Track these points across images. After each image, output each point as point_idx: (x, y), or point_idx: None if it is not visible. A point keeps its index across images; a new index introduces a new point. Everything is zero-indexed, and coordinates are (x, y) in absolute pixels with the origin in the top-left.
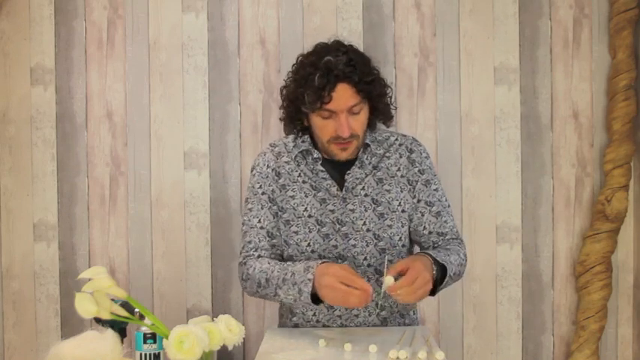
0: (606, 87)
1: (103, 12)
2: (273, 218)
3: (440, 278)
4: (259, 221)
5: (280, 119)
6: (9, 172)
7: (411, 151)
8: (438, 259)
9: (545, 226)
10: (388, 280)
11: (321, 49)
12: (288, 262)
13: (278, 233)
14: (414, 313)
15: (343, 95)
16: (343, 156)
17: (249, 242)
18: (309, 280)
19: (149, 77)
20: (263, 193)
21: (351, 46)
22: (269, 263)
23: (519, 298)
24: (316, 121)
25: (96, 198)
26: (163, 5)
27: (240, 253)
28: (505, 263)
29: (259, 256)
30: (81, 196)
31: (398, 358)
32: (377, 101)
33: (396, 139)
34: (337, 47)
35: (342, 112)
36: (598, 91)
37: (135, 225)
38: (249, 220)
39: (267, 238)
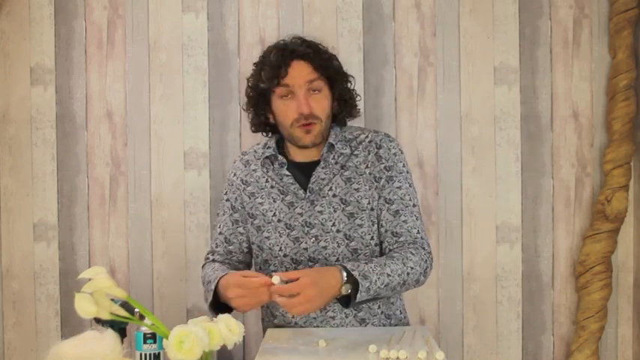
0: (606, 87)
1: (103, 12)
2: (232, 225)
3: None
4: (220, 227)
5: (247, 115)
6: (9, 172)
7: (379, 147)
8: (354, 273)
9: (545, 226)
10: (275, 279)
11: (280, 40)
12: (219, 271)
13: (236, 240)
14: (400, 313)
15: (300, 71)
16: (308, 139)
17: (211, 246)
18: (211, 290)
19: (149, 77)
20: (227, 200)
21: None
22: (212, 269)
23: (519, 298)
24: (278, 105)
25: (96, 198)
26: (163, 5)
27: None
28: (505, 263)
29: (213, 260)
30: (81, 196)
31: (398, 358)
32: (335, 82)
33: (367, 137)
34: (295, 37)
35: (301, 89)
36: (598, 91)
37: (135, 225)
38: (216, 226)
39: (224, 244)
